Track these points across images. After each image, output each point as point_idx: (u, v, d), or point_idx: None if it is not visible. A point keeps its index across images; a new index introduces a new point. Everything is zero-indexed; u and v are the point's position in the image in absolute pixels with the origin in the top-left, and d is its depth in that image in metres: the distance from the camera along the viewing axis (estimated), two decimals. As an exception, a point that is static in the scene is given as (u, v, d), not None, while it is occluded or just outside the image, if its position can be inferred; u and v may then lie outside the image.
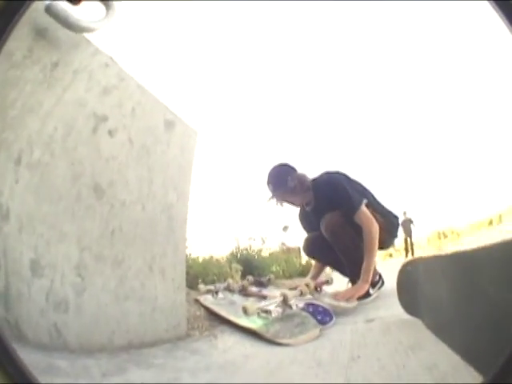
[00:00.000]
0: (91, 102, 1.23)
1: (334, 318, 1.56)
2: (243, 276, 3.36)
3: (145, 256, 1.32)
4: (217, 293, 2.09)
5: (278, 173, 2.27)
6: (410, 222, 6.02)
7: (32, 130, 1.03)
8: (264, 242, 4.50)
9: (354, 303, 1.77)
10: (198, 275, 2.82)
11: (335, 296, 1.82)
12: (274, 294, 2.12)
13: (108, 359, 1.07)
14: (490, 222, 7.75)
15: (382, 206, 2.32)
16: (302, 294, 1.78)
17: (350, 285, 2.27)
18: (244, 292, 2.24)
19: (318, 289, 2.05)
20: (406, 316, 1.34)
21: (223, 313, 1.70)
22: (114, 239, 1.20)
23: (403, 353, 1.00)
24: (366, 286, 1.89)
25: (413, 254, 6.02)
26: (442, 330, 1.02)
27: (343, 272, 2.28)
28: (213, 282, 2.79)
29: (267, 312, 1.53)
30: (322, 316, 1.55)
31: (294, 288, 2.21)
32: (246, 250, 3.95)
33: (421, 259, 1.38)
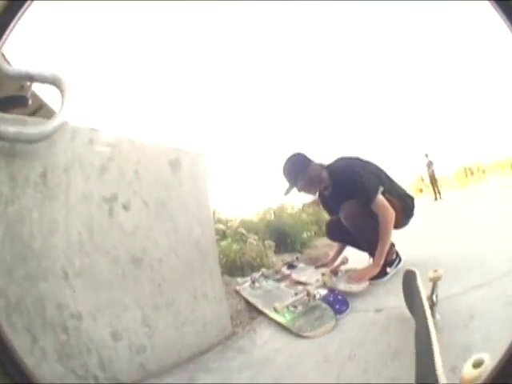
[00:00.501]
0: (95, 189, 1.41)
1: (350, 306, 1.88)
2: (277, 249, 3.78)
3: (188, 290, 1.69)
4: (254, 282, 2.51)
5: (289, 171, 2.41)
6: (431, 163, 6.09)
7: (61, 246, 1.24)
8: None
9: (365, 285, 2.05)
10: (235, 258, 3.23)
11: (349, 277, 2.13)
12: (303, 276, 2.54)
13: (180, 372, 1.51)
14: None
15: (398, 188, 2.50)
16: (324, 284, 2.11)
17: (371, 260, 2.57)
18: (277, 276, 2.65)
19: (336, 273, 2.35)
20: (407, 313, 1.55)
21: (259, 305, 2.12)
22: (161, 289, 1.56)
23: (387, 358, 1.26)
24: (377, 269, 2.14)
25: (439, 193, 6.17)
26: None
27: (364, 250, 2.51)
28: (249, 263, 3.23)
29: (294, 307, 1.91)
30: (340, 305, 1.88)
31: (320, 265, 2.64)
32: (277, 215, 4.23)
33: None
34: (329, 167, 2.48)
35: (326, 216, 5.48)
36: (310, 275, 2.54)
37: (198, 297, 1.74)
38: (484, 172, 7.19)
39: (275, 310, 1.87)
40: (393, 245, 2.33)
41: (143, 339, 1.44)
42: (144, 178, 1.61)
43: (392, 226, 2.20)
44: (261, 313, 2.08)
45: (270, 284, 2.51)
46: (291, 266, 2.88)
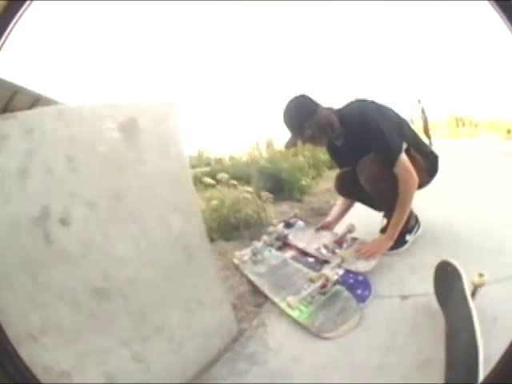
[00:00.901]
0: (17, 209, 1.02)
1: (373, 289, 1.63)
2: (274, 198, 3.43)
3: (178, 305, 1.36)
4: (255, 254, 2.21)
5: (293, 118, 1.97)
6: (424, 110, 5.96)
7: (12, 303, 0.98)
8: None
9: (374, 262, 1.77)
10: (231, 216, 2.89)
11: (357, 252, 1.85)
12: (302, 241, 2.28)
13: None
14: (508, 131, 7.09)
15: (422, 143, 2.10)
16: (343, 261, 1.82)
17: (385, 221, 2.26)
18: (278, 243, 2.35)
19: (341, 243, 2.06)
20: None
21: (267, 290, 1.84)
22: (143, 316, 1.24)
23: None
24: (391, 243, 1.86)
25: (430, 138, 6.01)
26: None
27: (381, 211, 2.23)
28: (245, 221, 2.90)
29: (311, 297, 1.63)
30: (362, 289, 1.62)
31: (320, 227, 2.36)
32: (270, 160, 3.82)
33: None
34: (340, 112, 2.03)
35: (323, 157, 5.34)
36: (309, 239, 2.26)
37: (192, 308, 1.42)
38: (476, 126, 7.14)
39: (289, 306, 1.60)
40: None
41: (140, 375, 1.19)
42: (81, 165, 1.12)
43: (414, 193, 1.86)
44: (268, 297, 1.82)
45: (274, 256, 2.22)
46: (288, 225, 2.58)
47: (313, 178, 4.07)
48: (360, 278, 1.70)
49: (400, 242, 1.93)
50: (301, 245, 2.22)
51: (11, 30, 0.78)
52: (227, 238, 2.78)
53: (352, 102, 2.07)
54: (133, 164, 1.25)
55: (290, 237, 2.38)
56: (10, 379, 0.75)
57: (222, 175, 3.18)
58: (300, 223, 2.59)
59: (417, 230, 2.07)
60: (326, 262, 1.91)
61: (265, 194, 3.18)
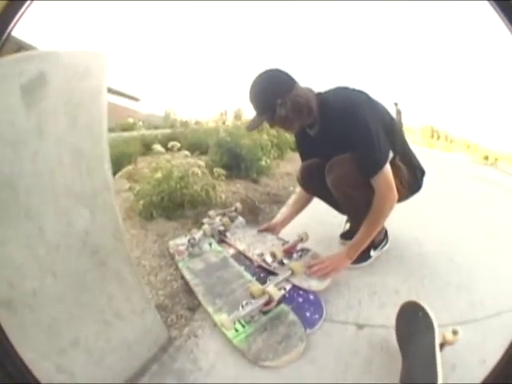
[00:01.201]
0: None
1: (324, 311, 1.41)
2: (228, 174, 3.12)
3: (92, 317, 1.08)
4: (193, 246, 1.90)
5: (264, 93, 1.59)
6: (400, 113, 6.00)
7: None
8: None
9: (328, 281, 1.54)
10: (177, 192, 2.56)
11: (309, 269, 1.57)
12: (242, 241, 2.00)
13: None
14: (486, 158, 7.36)
15: (410, 153, 1.81)
16: (292, 274, 1.55)
17: (347, 226, 2.05)
18: (223, 235, 2.08)
19: (291, 254, 1.78)
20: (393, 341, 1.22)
21: (200, 295, 1.55)
22: (54, 330, 0.98)
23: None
24: (348, 262, 1.61)
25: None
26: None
27: (344, 214, 2.00)
28: (191, 199, 2.59)
29: (251, 317, 1.36)
30: (312, 312, 1.39)
31: (264, 229, 2.06)
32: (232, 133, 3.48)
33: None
34: (322, 96, 1.69)
35: (289, 138, 5.05)
36: (251, 241, 1.97)
37: (109, 320, 1.12)
38: (451, 142, 7.36)
39: (222, 326, 1.31)
40: None
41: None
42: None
43: (389, 212, 1.58)
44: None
45: (214, 250, 1.92)
46: (231, 219, 2.23)
47: (274, 158, 3.79)
48: (311, 296, 1.47)
49: (363, 256, 1.72)
50: (240, 247, 1.93)
51: (11, 30, 0.79)
52: (169, 216, 2.46)
53: (339, 88, 1.71)
54: (29, 138, 0.91)
55: (228, 235, 2.09)
56: (9, 379, 0.75)
57: (174, 143, 2.80)
58: (240, 220, 2.26)
59: (384, 245, 1.88)
60: (271, 272, 1.66)
61: (217, 170, 2.87)
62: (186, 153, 2.87)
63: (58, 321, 0.99)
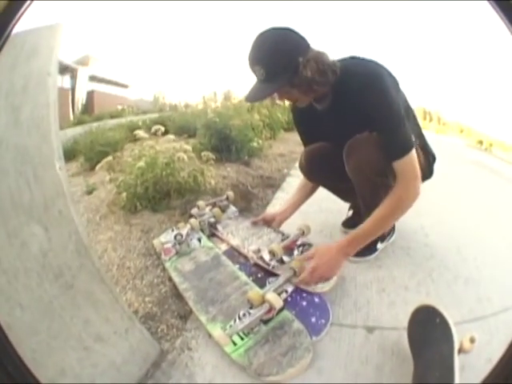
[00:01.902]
0: None
1: (331, 315, 1.29)
2: (218, 156, 2.95)
3: (72, 346, 0.94)
4: (180, 243, 1.74)
5: (279, 51, 1.25)
6: None
7: None
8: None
9: (334, 280, 1.39)
10: (163, 180, 2.39)
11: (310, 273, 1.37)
12: (235, 236, 1.85)
13: None
14: (480, 142, 7.26)
15: (425, 140, 1.61)
16: (294, 274, 1.39)
17: (350, 212, 1.92)
18: (214, 228, 1.92)
19: (291, 250, 1.61)
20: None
21: (191, 302, 1.41)
22: (40, 364, 0.86)
23: None
24: (343, 260, 1.40)
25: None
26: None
27: (348, 201, 1.86)
28: (178, 187, 2.42)
29: (250, 329, 1.22)
30: (318, 316, 1.27)
31: (259, 220, 1.88)
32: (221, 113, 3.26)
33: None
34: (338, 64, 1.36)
35: (281, 118, 4.83)
36: (245, 235, 1.81)
37: (90, 346, 0.99)
38: (444, 125, 7.31)
39: (218, 341, 1.19)
40: None
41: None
42: None
43: (410, 206, 1.36)
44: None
45: (204, 247, 1.76)
46: (221, 211, 2.04)
47: (266, 139, 3.61)
48: (316, 299, 1.34)
49: (370, 249, 1.59)
50: (234, 242, 1.78)
51: (11, 30, 0.79)
52: (154, 208, 2.30)
53: (355, 57, 1.40)
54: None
55: (220, 228, 1.93)
56: (9, 379, 0.74)
57: (158, 127, 2.61)
58: (233, 210, 2.10)
59: (390, 237, 1.75)
60: (269, 272, 1.52)
61: (205, 154, 2.69)
62: (171, 137, 2.68)
63: (38, 352, 0.88)
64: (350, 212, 1.94)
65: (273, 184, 2.78)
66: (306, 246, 1.61)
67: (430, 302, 1.11)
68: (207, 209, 2.03)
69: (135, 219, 2.19)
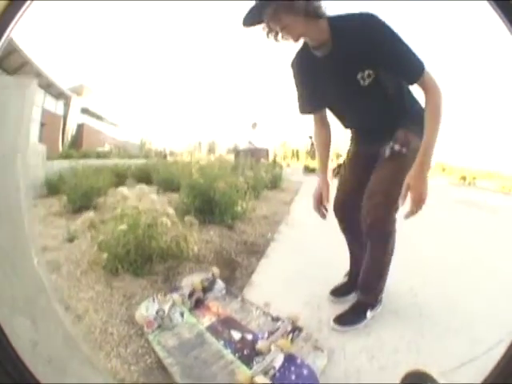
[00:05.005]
0: None
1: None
2: (201, 218, 3.08)
3: None
4: (162, 319, 1.77)
5: None
6: (313, 145, 7.86)
7: None
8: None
9: (325, 359, 1.49)
10: (145, 243, 2.48)
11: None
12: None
13: None
14: (463, 178, 8.13)
15: None
16: (282, 350, 1.48)
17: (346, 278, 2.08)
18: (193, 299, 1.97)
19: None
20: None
21: (178, 378, 1.43)
22: None
23: None
24: (427, 171, 1.55)
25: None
26: None
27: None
28: (160, 252, 2.51)
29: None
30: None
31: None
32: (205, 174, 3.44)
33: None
34: (331, 16, 1.57)
35: (264, 176, 5.15)
36: (230, 317, 1.84)
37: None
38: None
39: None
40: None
41: None
42: None
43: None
44: None
45: (186, 323, 1.79)
46: (207, 289, 2.06)
47: (250, 199, 3.81)
48: (304, 371, 1.39)
49: (359, 317, 1.73)
50: (222, 313, 1.84)
51: (11, 30, 0.81)
52: (136, 272, 2.36)
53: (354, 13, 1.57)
54: None
55: (210, 303, 1.97)
56: (10, 379, 0.76)
57: (142, 187, 2.75)
58: (220, 286, 2.12)
59: (379, 307, 1.87)
60: (254, 351, 1.54)
61: (188, 219, 2.78)
62: (154, 197, 2.80)
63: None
64: (345, 278, 2.06)
65: (257, 250, 2.89)
66: (296, 331, 1.64)
67: (420, 367, 1.21)
68: (190, 288, 2.02)
69: (117, 282, 2.22)
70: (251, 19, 1.53)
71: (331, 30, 1.55)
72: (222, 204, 3.27)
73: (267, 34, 1.58)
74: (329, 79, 1.67)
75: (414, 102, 1.72)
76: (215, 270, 2.21)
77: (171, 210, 2.66)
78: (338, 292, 2.01)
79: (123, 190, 2.74)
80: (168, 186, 4.83)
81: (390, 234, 1.69)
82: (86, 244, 2.74)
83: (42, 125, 7.48)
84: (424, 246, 3.01)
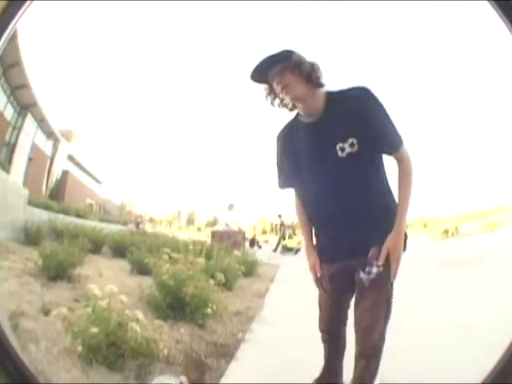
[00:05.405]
0: None
1: None
2: (172, 315, 3.19)
3: None
4: None
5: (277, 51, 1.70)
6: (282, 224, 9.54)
7: None
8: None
9: None
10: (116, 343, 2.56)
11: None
12: None
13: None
14: (446, 232, 8.02)
15: None
16: None
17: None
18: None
19: None
20: None
21: None
22: None
23: None
24: (401, 239, 1.78)
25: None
26: None
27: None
28: (133, 354, 2.58)
29: None
30: None
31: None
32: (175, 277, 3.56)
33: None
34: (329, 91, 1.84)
35: (238, 267, 5.32)
36: None
37: None
38: (408, 227, 7.88)
39: None
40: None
41: None
42: None
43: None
44: None
45: None
46: None
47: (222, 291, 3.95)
48: None
49: None
50: None
51: (11, 30, 0.83)
52: (110, 366, 2.45)
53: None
54: None
55: None
56: (10, 379, 0.77)
57: (111, 288, 2.78)
58: None
59: None
60: None
61: (158, 323, 2.89)
62: (123, 298, 2.84)
63: None
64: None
65: (227, 353, 2.94)
66: None
67: None
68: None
69: (92, 371, 2.33)
70: (258, 74, 1.76)
71: (326, 102, 1.78)
72: (192, 305, 3.39)
73: (266, 96, 1.82)
74: (310, 146, 1.82)
75: (389, 193, 1.88)
76: (183, 378, 2.27)
77: (140, 315, 2.73)
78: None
79: (94, 288, 2.78)
80: (142, 268, 5.01)
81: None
82: (60, 324, 2.75)
83: (30, 159, 7.36)
84: (403, 330, 2.85)
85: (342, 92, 1.79)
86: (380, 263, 1.73)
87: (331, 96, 1.79)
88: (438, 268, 6.35)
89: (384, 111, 1.75)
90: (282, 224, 9.52)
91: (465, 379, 1.94)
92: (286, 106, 1.85)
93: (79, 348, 2.45)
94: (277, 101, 1.82)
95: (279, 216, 9.57)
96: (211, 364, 2.74)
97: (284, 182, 2.03)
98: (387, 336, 1.89)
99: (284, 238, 9.35)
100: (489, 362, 2.01)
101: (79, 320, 2.70)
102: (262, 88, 1.82)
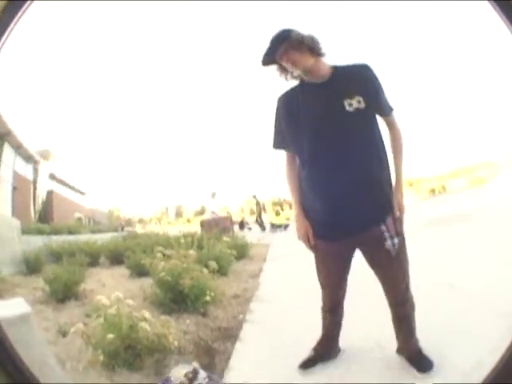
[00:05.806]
0: None
1: None
2: (176, 308, 3.57)
3: None
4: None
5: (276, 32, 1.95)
6: (258, 203, 11.26)
7: None
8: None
9: None
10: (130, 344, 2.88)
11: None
12: None
13: None
14: (432, 191, 8.23)
15: None
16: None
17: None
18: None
19: None
20: None
21: None
22: None
23: None
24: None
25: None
26: None
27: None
28: (146, 350, 2.91)
29: None
30: None
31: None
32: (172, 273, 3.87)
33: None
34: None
35: (229, 252, 5.58)
36: None
37: None
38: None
39: None
40: None
41: None
42: None
43: None
44: None
45: None
46: (192, 379, 2.46)
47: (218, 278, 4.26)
48: None
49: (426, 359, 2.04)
50: None
51: (11, 30, 0.84)
52: (130, 368, 2.77)
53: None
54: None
55: None
56: (10, 379, 0.78)
57: (116, 295, 3.08)
58: (202, 376, 2.50)
59: None
60: None
61: (165, 318, 3.18)
62: (130, 302, 3.10)
63: None
64: (312, 352, 2.33)
65: (231, 335, 3.19)
66: None
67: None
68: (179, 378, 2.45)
69: (116, 376, 2.61)
70: (267, 58, 1.98)
71: (332, 70, 2.02)
72: (191, 295, 3.72)
73: (280, 74, 2.04)
74: (317, 104, 2.00)
75: (386, 155, 2.08)
76: (195, 364, 2.63)
77: (147, 314, 3.03)
78: (306, 365, 2.29)
79: (101, 298, 3.08)
80: (140, 270, 5.23)
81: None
82: (80, 340, 2.99)
83: (14, 188, 7.54)
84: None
85: (345, 65, 2.05)
86: (400, 230, 1.97)
87: (336, 67, 2.04)
88: (425, 227, 6.43)
89: (380, 83, 2.03)
90: (257, 203, 10.88)
91: (454, 338, 2.18)
92: (296, 78, 2.07)
93: (101, 357, 2.73)
94: (289, 76, 2.04)
95: (254, 196, 10.90)
96: (218, 348, 2.99)
97: (279, 143, 2.18)
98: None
99: (260, 216, 10.46)
100: (475, 318, 2.30)
101: (95, 331, 2.98)
102: (256, 72, 2.16)
